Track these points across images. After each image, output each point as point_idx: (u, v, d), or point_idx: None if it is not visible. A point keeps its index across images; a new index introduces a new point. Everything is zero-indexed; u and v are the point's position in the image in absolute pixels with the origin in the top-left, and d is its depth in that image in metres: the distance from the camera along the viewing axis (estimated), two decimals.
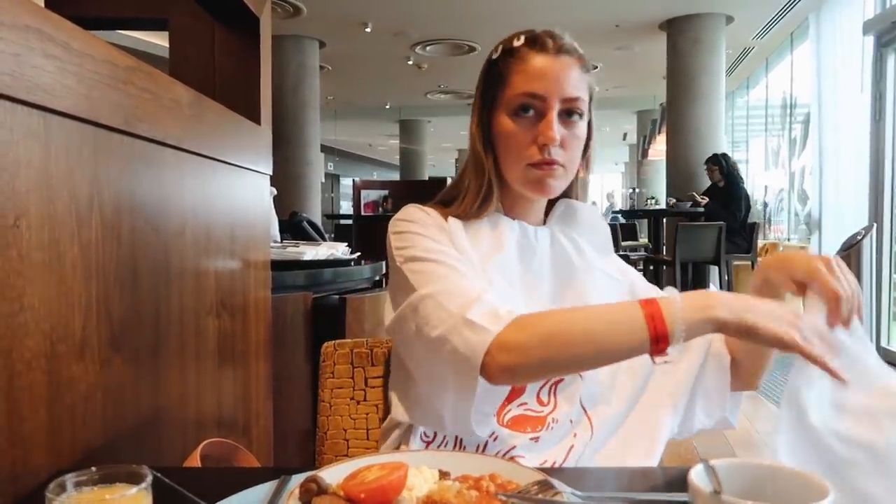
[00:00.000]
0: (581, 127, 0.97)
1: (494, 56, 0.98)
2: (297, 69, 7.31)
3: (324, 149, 9.84)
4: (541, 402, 0.96)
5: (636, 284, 1.08)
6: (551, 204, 1.07)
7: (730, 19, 6.51)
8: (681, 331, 0.74)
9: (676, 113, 6.63)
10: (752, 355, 1.02)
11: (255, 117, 1.61)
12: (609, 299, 0.95)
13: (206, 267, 1.30)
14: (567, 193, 1.05)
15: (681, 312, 0.75)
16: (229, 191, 1.45)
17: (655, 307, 0.76)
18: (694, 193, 6.18)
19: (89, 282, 0.87)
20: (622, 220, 9.95)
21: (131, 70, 0.97)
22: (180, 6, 1.67)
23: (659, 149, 10.27)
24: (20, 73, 0.72)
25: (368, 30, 6.97)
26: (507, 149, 0.97)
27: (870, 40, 5.18)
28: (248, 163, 1.53)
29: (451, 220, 0.98)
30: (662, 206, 6.70)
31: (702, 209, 5.72)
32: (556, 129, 0.92)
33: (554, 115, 0.93)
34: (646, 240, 7.97)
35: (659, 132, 10.50)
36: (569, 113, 0.95)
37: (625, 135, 15.27)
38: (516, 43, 0.96)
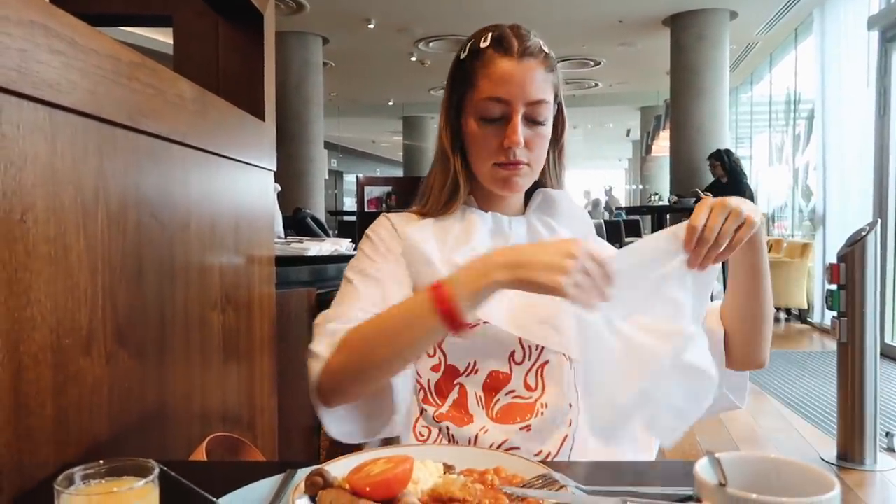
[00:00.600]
0: (546, 127, 1.01)
1: (462, 56, 1.01)
2: (301, 66, 7.31)
3: (327, 145, 9.84)
4: (528, 388, 0.97)
5: None
6: (530, 194, 1.10)
7: (734, 14, 6.49)
8: (466, 304, 0.79)
9: (680, 109, 6.62)
10: (743, 327, 1.02)
11: (259, 113, 1.61)
12: None
13: (211, 262, 1.31)
14: (542, 185, 1.10)
15: (462, 287, 0.80)
16: (233, 186, 1.45)
17: (440, 289, 0.80)
18: (697, 190, 6.16)
19: (95, 276, 0.88)
20: (625, 217, 9.94)
21: (136, 66, 0.98)
22: (185, 3, 1.67)
23: (662, 145, 10.26)
24: (26, 69, 0.73)
25: (372, 26, 6.96)
26: (474, 150, 1.01)
27: (874, 35, 5.16)
28: (252, 158, 1.53)
29: (420, 222, 1.03)
30: (666, 202, 6.69)
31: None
32: (521, 133, 0.96)
33: (518, 118, 0.96)
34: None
35: (663, 128, 10.49)
36: (533, 114, 0.98)
37: (628, 131, 15.25)
38: (482, 44, 0.98)
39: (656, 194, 9.67)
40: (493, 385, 0.97)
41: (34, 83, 0.74)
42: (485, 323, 0.95)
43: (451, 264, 0.96)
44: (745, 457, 0.49)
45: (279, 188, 2.69)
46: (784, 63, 8.19)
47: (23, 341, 0.73)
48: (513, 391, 0.97)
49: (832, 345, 2.63)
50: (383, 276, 0.99)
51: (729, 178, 5.76)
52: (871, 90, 5.19)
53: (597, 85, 10.26)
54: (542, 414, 0.96)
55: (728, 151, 5.90)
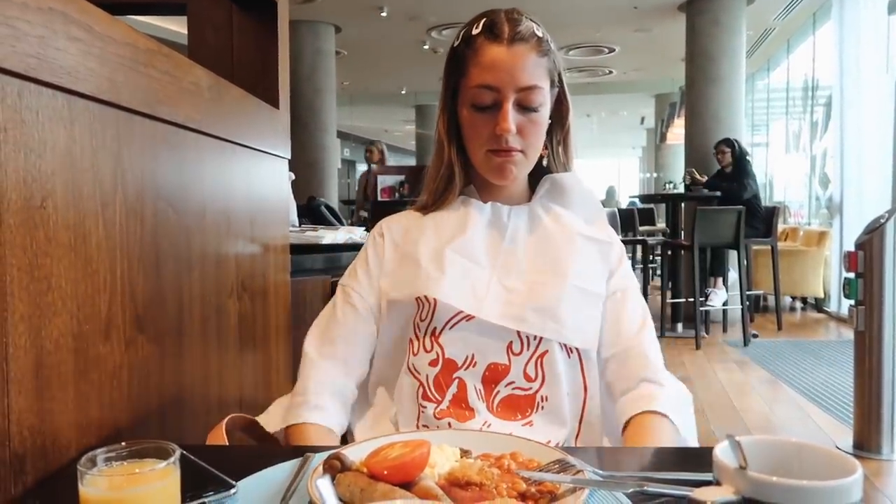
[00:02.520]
0: (540, 113, 0.99)
1: (456, 44, 1.01)
2: (313, 55, 7.30)
3: (340, 135, 9.86)
4: (528, 378, 0.96)
5: (614, 255, 1.07)
6: (538, 182, 1.09)
7: (750, 0, 6.40)
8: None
9: (695, 96, 6.55)
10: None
11: (273, 101, 1.62)
12: (590, 262, 1.03)
13: (227, 249, 1.31)
14: (547, 169, 1.08)
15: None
16: (248, 174, 1.45)
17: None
18: (693, 170, 6.07)
19: (113, 263, 0.88)
20: (639, 205, 9.87)
21: (152, 53, 0.98)
22: None
23: (677, 132, 10.18)
24: (45, 56, 0.73)
25: (384, 14, 6.94)
26: (469, 137, 1.01)
27: (894, 20, 5.06)
28: (266, 146, 1.54)
29: (415, 219, 1.06)
30: (681, 190, 6.62)
31: (710, 192, 5.63)
32: (511, 120, 0.96)
33: (509, 105, 0.96)
34: (663, 224, 7.91)
35: (677, 116, 10.39)
36: (525, 101, 0.97)
37: (642, 119, 15.12)
38: (474, 31, 0.98)
39: (671, 182, 9.60)
40: (493, 377, 0.96)
41: (53, 70, 0.74)
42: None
43: (440, 257, 0.99)
44: (765, 440, 0.49)
45: (293, 176, 2.69)
46: (802, 49, 8.07)
47: (44, 326, 0.74)
48: (512, 382, 0.96)
49: (849, 334, 2.61)
50: (364, 281, 1.06)
51: (735, 167, 5.69)
52: (892, 76, 5.10)
53: (611, 72, 10.17)
54: (542, 408, 0.95)
55: (737, 140, 5.81)
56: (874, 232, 2.77)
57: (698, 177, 5.93)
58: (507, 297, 0.97)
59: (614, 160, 24.52)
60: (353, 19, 7.22)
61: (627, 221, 8.10)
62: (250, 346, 1.43)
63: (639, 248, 7.04)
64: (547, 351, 0.96)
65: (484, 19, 0.99)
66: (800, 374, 4.14)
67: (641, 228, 8.58)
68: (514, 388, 0.96)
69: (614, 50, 8.72)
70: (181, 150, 1.11)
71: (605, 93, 11.48)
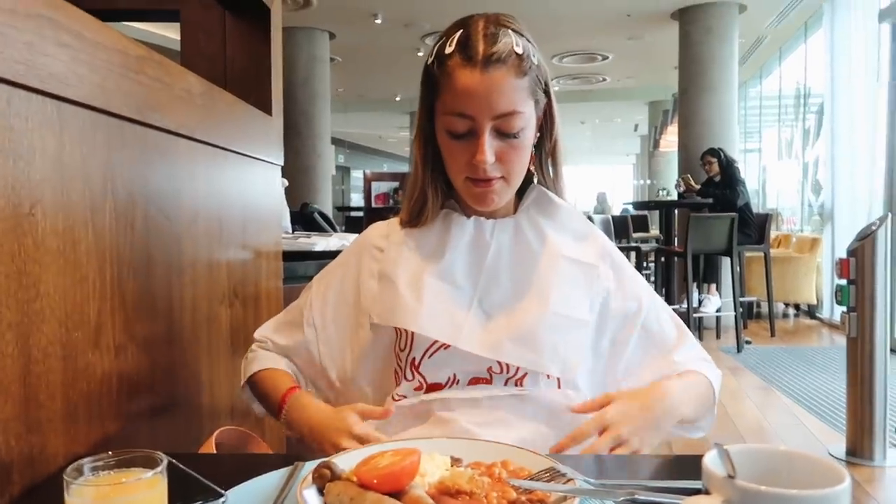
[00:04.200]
0: (521, 139, 0.92)
1: (429, 60, 0.94)
2: (308, 61, 7.30)
3: (334, 141, 9.86)
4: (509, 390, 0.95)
5: (615, 272, 1.03)
6: (525, 189, 1.03)
7: (742, 8, 6.44)
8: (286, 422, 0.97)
9: (688, 103, 6.57)
10: None
11: (266, 108, 1.62)
12: (574, 287, 0.97)
13: (219, 256, 1.31)
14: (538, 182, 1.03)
15: (290, 414, 0.96)
16: (241, 181, 1.45)
17: (286, 399, 0.97)
18: (687, 177, 6.09)
19: (103, 269, 0.88)
20: (633, 212, 9.90)
21: (143, 59, 0.98)
22: None
23: (670, 140, 10.22)
24: (33, 62, 0.73)
25: (378, 21, 6.95)
26: (447, 164, 0.96)
27: (886, 28, 5.11)
28: (259, 153, 1.53)
29: (396, 233, 1.02)
30: (674, 197, 6.64)
31: (702, 199, 5.65)
32: (489, 149, 0.89)
33: (486, 135, 0.89)
34: (657, 231, 7.93)
35: (671, 123, 10.44)
36: (504, 128, 0.90)
37: (636, 126, 15.18)
38: (447, 49, 0.90)
39: (664, 189, 9.63)
40: (474, 391, 0.94)
41: (41, 77, 0.74)
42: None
43: (419, 283, 0.95)
44: (754, 449, 0.49)
45: (286, 183, 2.69)
46: (794, 57, 8.12)
47: (32, 334, 0.73)
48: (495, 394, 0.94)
49: (841, 340, 2.62)
50: (333, 288, 1.05)
51: (724, 175, 5.71)
52: (883, 84, 5.14)
53: (605, 80, 10.21)
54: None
55: (722, 149, 5.84)
56: (866, 239, 2.78)
57: (692, 184, 5.95)
58: (486, 323, 0.94)
59: (608, 167, 24.61)
60: (347, 26, 7.23)
61: (621, 228, 8.11)
62: (242, 353, 1.42)
63: (633, 254, 7.05)
64: (526, 374, 0.94)
65: (459, 33, 0.91)
66: (793, 380, 4.15)
67: (635, 235, 8.60)
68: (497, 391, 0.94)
69: (608, 57, 8.76)
70: (173, 157, 1.11)
71: (598, 100, 11.52)
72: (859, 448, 2.70)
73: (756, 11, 6.57)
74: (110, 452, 0.56)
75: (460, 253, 0.98)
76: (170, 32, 6.23)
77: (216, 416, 1.27)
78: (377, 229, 1.08)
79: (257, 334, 1.09)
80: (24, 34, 0.71)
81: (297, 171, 7.03)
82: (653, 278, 6.42)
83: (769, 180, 9.57)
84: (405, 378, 0.96)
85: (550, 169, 1.02)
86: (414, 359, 0.95)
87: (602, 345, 1.00)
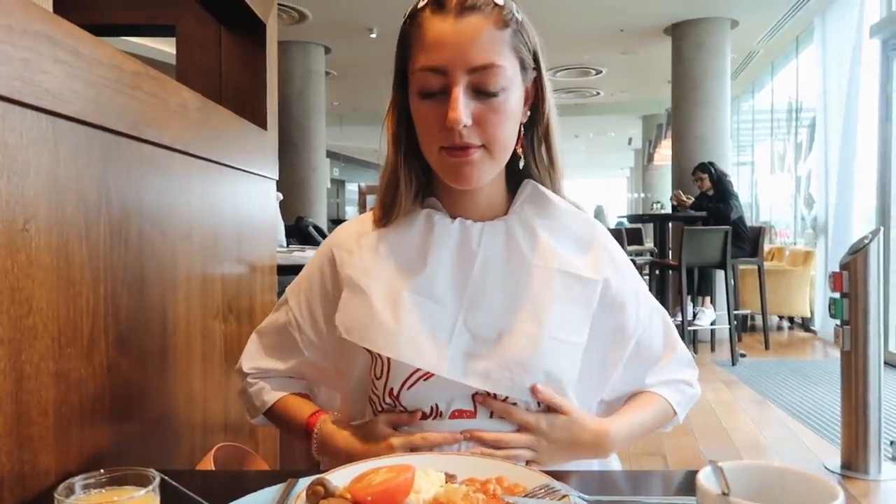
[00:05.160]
0: (505, 99, 0.81)
1: (403, 22, 0.85)
2: (303, 75, 7.33)
3: (329, 154, 9.88)
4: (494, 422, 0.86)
5: (611, 285, 0.91)
6: (518, 184, 0.92)
7: (734, 23, 6.50)
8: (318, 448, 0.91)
9: (681, 117, 6.62)
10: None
11: (261, 122, 1.62)
12: (570, 305, 0.86)
13: (213, 271, 1.31)
14: (528, 175, 0.92)
15: (323, 444, 0.91)
16: (236, 195, 1.45)
17: (310, 425, 0.92)
18: (679, 192, 6.11)
19: (97, 285, 0.88)
20: (627, 225, 9.93)
21: (139, 75, 0.98)
22: (188, 12, 1.68)
23: (664, 153, 10.28)
24: (29, 78, 0.73)
25: (374, 36, 6.99)
26: (420, 134, 0.84)
27: (875, 43, 5.17)
28: (254, 167, 1.54)
29: (369, 235, 0.91)
30: (668, 210, 6.67)
31: (695, 212, 5.68)
32: (463, 107, 0.78)
33: (459, 90, 0.78)
34: (651, 244, 7.95)
35: (664, 137, 10.50)
36: (481, 83, 0.79)
37: (630, 139, 15.27)
38: (420, 4, 0.82)
39: (658, 202, 9.67)
40: (458, 426, 0.85)
41: (37, 93, 0.74)
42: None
43: (397, 299, 0.84)
44: (748, 465, 0.49)
45: (281, 197, 2.70)
46: (786, 71, 8.20)
47: (24, 350, 0.73)
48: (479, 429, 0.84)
49: (835, 353, 2.62)
50: (309, 294, 0.96)
51: (716, 189, 5.74)
52: (873, 98, 5.19)
53: (598, 94, 10.28)
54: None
55: (712, 163, 5.87)
56: (858, 253, 2.80)
57: (684, 198, 5.98)
58: (472, 346, 0.84)
59: (603, 180, 24.71)
60: (342, 40, 7.26)
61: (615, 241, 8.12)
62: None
63: None
64: (515, 403, 0.85)
65: None
66: (788, 393, 4.15)
67: (629, 248, 8.62)
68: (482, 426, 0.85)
69: (601, 72, 8.82)
70: (168, 172, 1.11)
71: (593, 114, 11.59)
72: (854, 462, 2.70)
73: (748, 27, 6.63)
74: (102, 470, 0.56)
75: (443, 262, 0.87)
76: (166, 47, 6.25)
77: (210, 431, 1.27)
78: (347, 229, 0.96)
79: (246, 367, 0.99)
80: (21, 51, 0.71)
81: (292, 184, 7.04)
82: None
83: (762, 194, 9.63)
84: (383, 406, 0.87)
85: (544, 154, 0.91)
86: (392, 389, 0.85)
87: (592, 362, 0.90)
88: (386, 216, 0.90)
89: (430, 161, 0.85)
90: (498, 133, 0.82)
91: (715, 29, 6.43)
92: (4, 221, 0.70)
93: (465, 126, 0.79)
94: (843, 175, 5.73)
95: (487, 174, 0.84)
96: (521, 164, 0.89)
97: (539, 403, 0.86)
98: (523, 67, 0.84)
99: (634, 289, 0.95)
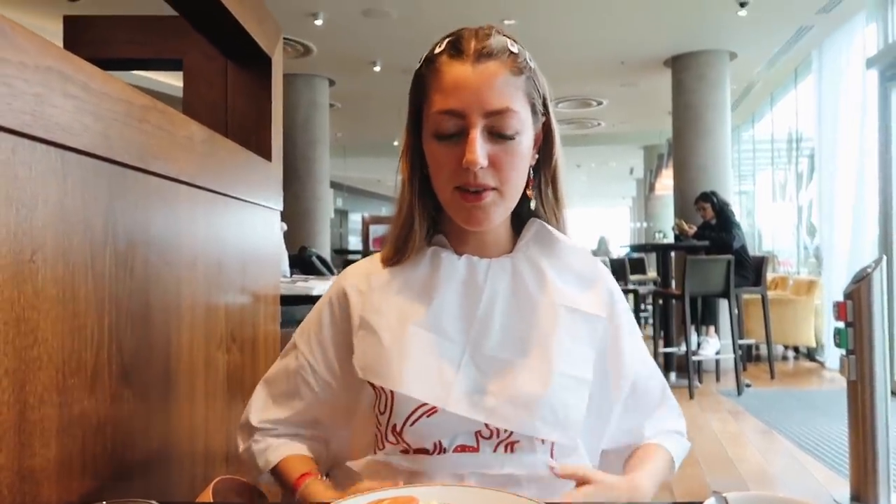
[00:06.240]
0: (519, 142, 0.84)
1: (419, 67, 0.88)
2: (308, 107, 7.42)
3: (333, 185, 9.95)
4: (496, 462, 0.85)
5: (611, 324, 0.94)
6: (523, 223, 0.94)
7: (733, 55, 6.59)
8: None
9: (682, 148, 6.67)
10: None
11: (266, 154, 1.64)
12: (576, 341, 0.88)
13: (217, 301, 1.31)
14: (534, 214, 0.94)
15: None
16: (240, 226, 1.46)
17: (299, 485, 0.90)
18: (682, 222, 6.13)
19: (102, 316, 0.88)
20: (630, 254, 9.92)
21: (147, 109, 1.00)
22: (195, 47, 1.71)
23: (666, 183, 10.32)
24: (40, 113, 0.74)
25: (377, 69, 7.09)
26: (434, 174, 0.87)
27: (873, 74, 5.22)
28: (259, 198, 1.55)
29: (378, 273, 0.92)
30: (671, 239, 6.68)
31: (698, 242, 5.69)
32: (480, 149, 0.80)
33: (476, 133, 0.81)
34: (654, 274, 7.94)
35: (665, 167, 10.56)
36: (498, 127, 0.82)
37: (632, 169, 15.35)
38: (437, 50, 0.85)
39: (661, 232, 9.69)
40: (461, 460, 0.85)
41: (47, 126, 0.76)
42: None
43: (403, 334, 0.86)
44: (753, 496, 0.49)
45: (285, 227, 2.71)
46: (785, 102, 8.28)
47: (28, 381, 0.73)
48: (482, 472, 0.85)
49: (842, 383, 2.60)
50: (315, 342, 0.96)
51: (719, 218, 5.76)
52: (872, 128, 5.24)
53: (600, 124, 10.37)
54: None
55: (714, 193, 5.90)
56: (862, 281, 2.79)
57: (686, 228, 5.99)
58: (478, 381, 0.84)
59: (605, 209, 24.77)
60: (346, 73, 7.37)
61: (618, 271, 8.13)
62: (239, 399, 1.41)
63: (630, 297, 7.05)
64: (518, 441, 0.85)
65: (448, 38, 0.85)
66: (795, 424, 4.10)
67: (632, 277, 8.62)
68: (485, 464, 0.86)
69: (602, 103, 8.91)
70: (174, 203, 1.12)
71: (594, 144, 11.68)
72: (863, 492, 2.66)
73: (746, 59, 6.72)
74: (104, 503, 0.56)
75: (450, 298, 0.88)
76: (172, 80, 6.34)
77: (212, 463, 1.26)
78: (357, 269, 0.98)
79: (255, 421, 0.98)
80: (34, 86, 0.73)
81: (295, 214, 7.08)
82: (651, 321, 6.40)
83: (764, 223, 9.64)
84: (389, 442, 0.87)
85: (550, 195, 0.93)
86: (395, 425, 0.86)
87: (593, 403, 0.90)
88: (398, 255, 0.92)
89: (443, 201, 0.88)
90: (511, 175, 0.84)
91: (714, 61, 6.52)
92: (12, 252, 0.71)
93: (481, 167, 0.81)
94: (844, 204, 5.74)
95: (499, 216, 0.87)
96: (532, 205, 0.92)
97: (543, 441, 0.86)
98: (534, 112, 0.87)
99: (630, 330, 0.97)
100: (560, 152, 0.93)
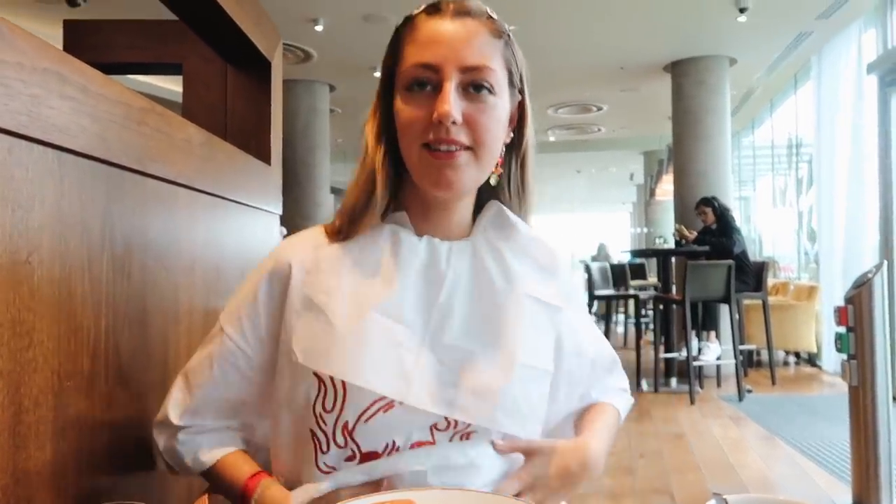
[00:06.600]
0: (495, 104, 0.80)
1: (395, 28, 0.84)
2: (308, 112, 7.43)
3: (333, 190, 9.94)
4: (455, 456, 0.81)
5: (570, 313, 0.92)
6: (480, 207, 0.90)
7: (733, 61, 6.60)
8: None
9: (682, 153, 6.67)
10: None
11: (265, 158, 1.64)
12: (538, 332, 0.85)
13: (216, 305, 1.30)
14: (497, 196, 0.90)
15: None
16: (239, 230, 1.46)
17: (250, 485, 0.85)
18: (682, 227, 6.12)
19: (98, 319, 0.88)
20: (630, 260, 9.92)
21: (145, 111, 1.00)
22: (194, 51, 1.71)
23: (666, 188, 10.32)
24: (37, 114, 0.74)
25: (377, 74, 7.10)
26: (401, 131, 0.81)
27: (873, 80, 5.23)
28: (258, 202, 1.55)
29: (326, 248, 0.85)
30: (671, 245, 6.69)
31: (699, 247, 5.69)
32: (454, 102, 0.76)
33: (451, 86, 0.76)
34: (654, 279, 7.93)
35: (665, 172, 10.56)
36: (475, 86, 0.78)
37: (632, 174, 15.36)
38: (415, 11, 0.82)
39: (661, 237, 9.68)
40: (417, 457, 0.80)
41: (44, 128, 0.75)
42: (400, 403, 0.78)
43: (361, 321, 0.79)
44: (754, 499, 0.48)
45: (285, 232, 2.71)
46: (784, 108, 8.29)
47: (24, 383, 0.73)
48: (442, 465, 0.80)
49: (844, 388, 2.59)
50: (248, 322, 0.86)
51: (719, 223, 5.76)
52: (871, 133, 5.24)
53: (600, 130, 10.38)
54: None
55: (715, 198, 5.91)
56: (863, 286, 2.79)
57: (687, 233, 5.99)
58: (438, 372, 0.79)
59: (605, 215, 24.78)
60: (347, 79, 7.38)
61: (619, 276, 8.13)
62: None
63: (630, 302, 7.03)
64: (476, 431, 0.81)
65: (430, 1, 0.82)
66: (796, 429, 4.09)
67: (633, 283, 8.61)
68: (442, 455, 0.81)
69: (602, 108, 8.93)
70: (172, 206, 1.12)
71: (594, 150, 11.69)
72: (865, 497, 2.65)
73: (746, 64, 6.73)
74: None
75: (410, 283, 0.82)
76: (172, 85, 6.35)
77: None
78: (300, 240, 0.88)
79: (176, 419, 0.88)
80: (31, 87, 0.73)
81: (296, 220, 7.07)
82: (651, 326, 6.39)
83: (765, 228, 9.64)
84: (336, 444, 0.79)
85: (518, 178, 0.89)
86: (346, 423, 0.78)
87: (560, 389, 0.91)
88: (350, 227, 0.84)
89: (410, 164, 0.81)
90: (486, 137, 0.79)
91: (714, 67, 6.53)
92: (8, 253, 0.71)
93: (453, 122, 0.76)
94: (844, 209, 5.75)
95: (470, 181, 0.81)
96: (493, 180, 0.86)
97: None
98: (511, 84, 0.84)
99: (582, 310, 0.98)
100: (532, 136, 0.88)
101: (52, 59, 0.77)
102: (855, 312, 2.67)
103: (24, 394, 0.73)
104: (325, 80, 7.51)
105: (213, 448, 0.89)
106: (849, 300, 2.69)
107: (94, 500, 0.69)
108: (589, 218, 24.73)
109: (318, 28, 5.71)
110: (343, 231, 0.85)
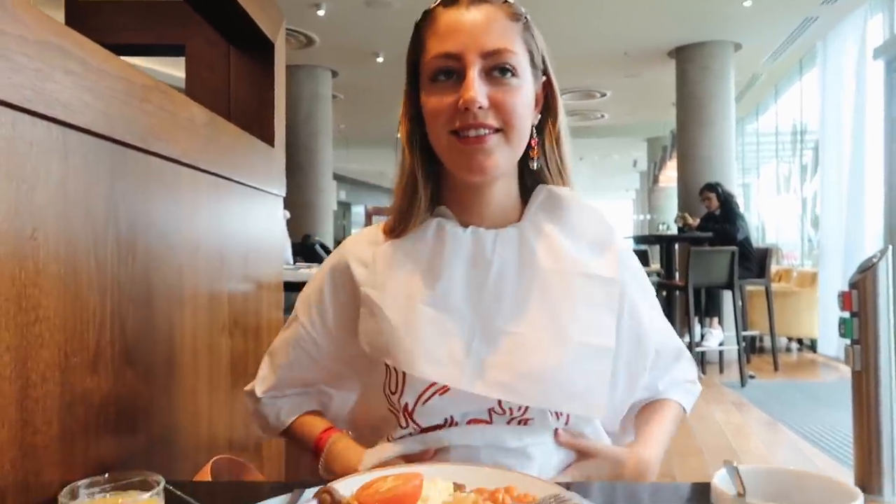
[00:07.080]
0: (520, 85, 0.81)
1: (415, 24, 0.87)
2: (310, 98, 7.40)
3: (336, 177, 9.94)
4: (511, 438, 0.84)
5: (628, 290, 0.90)
6: (530, 193, 0.91)
7: (738, 46, 6.55)
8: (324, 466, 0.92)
9: (686, 139, 6.64)
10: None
11: (268, 139, 1.63)
12: (591, 307, 0.84)
13: (220, 286, 1.30)
14: (541, 179, 0.90)
15: (334, 457, 0.92)
16: (243, 211, 1.46)
17: (322, 440, 0.94)
18: (685, 215, 6.11)
19: (104, 297, 0.88)
20: (634, 246, 9.91)
21: (148, 88, 0.99)
22: (197, 33, 1.70)
23: (669, 175, 10.28)
24: (41, 88, 0.74)
25: (380, 60, 7.07)
26: (431, 122, 0.83)
27: (879, 65, 5.19)
28: (261, 184, 1.54)
29: (381, 245, 0.90)
30: (674, 231, 6.67)
31: (702, 234, 5.67)
32: (479, 88, 0.78)
33: (474, 72, 0.78)
34: (658, 265, 7.92)
35: (669, 158, 10.51)
36: (500, 69, 0.80)
37: (635, 161, 15.30)
38: (433, 4, 0.85)
39: (664, 224, 9.66)
40: (473, 433, 0.84)
41: (48, 102, 0.75)
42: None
43: (411, 313, 0.83)
44: (764, 468, 0.48)
45: (288, 215, 2.71)
46: (789, 94, 8.23)
47: (31, 358, 0.73)
48: (495, 445, 0.83)
49: (846, 374, 2.59)
50: (318, 310, 0.95)
51: (723, 209, 5.74)
52: (877, 119, 5.21)
53: (603, 116, 10.33)
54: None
55: (719, 183, 5.88)
56: (867, 271, 2.79)
57: (690, 221, 5.97)
58: (490, 357, 0.81)
59: (608, 202, 24.73)
60: (349, 64, 7.35)
61: None
62: (241, 385, 1.40)
63: None
64: (533, 418, 0.83)
65: None
66: (799, 415, 4.10)
67: None
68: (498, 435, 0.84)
69: (606, 94, 8.88)
70: (176, 186, 1.11)
71: (597, 136, 11.64)
72: (868, 483, 2.65)
73: (751, 50, 6.68)
74: (107, 475, 0.55)
75: (457, 273, 0.85)
76: (175, 70, 6.32)
77: (214, 445, 1.26)
78: (358, 239, 0.95)
79: (260, 392, 0.99)
80: (34, 61, 0.72)
81: (298, 206, 7.07)
82: None
83: (768, 215, 9.61)
84: (399, 425, 0.86)
85: (557, 159, 0.90)
86: (406, 404, 0.84)
87: (619, 374, 0.87)
88: (402, 223, 0.88)
89: (441, 153, 0.84)
90: (514, 117, 0.81)
91: (718, 52, 6.48)
92: (13, 229, 0.70)
93: (480, 107, 0.78)
94: (848, 195, 5.72)
95: (504, 162, 0.83)
96: (535, 164, 0.88)
97: (558, 415, 0.85)
98: (533, 65, 0.85)
99: (645, 291, 0.95)
100: (563, 115, 0.90)
101: (53, 31, 0.76)
102: (859, 297, 2.66)
103: (31, 368, 0.73)
104: (328, 66, 7.48)
105: (292, 410, 1.00)
106: (853, 285, 2.69)
107: (101, 474, 0.69)
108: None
109: (321, 13, 5.67)
110: (396, 229, 0.90)
